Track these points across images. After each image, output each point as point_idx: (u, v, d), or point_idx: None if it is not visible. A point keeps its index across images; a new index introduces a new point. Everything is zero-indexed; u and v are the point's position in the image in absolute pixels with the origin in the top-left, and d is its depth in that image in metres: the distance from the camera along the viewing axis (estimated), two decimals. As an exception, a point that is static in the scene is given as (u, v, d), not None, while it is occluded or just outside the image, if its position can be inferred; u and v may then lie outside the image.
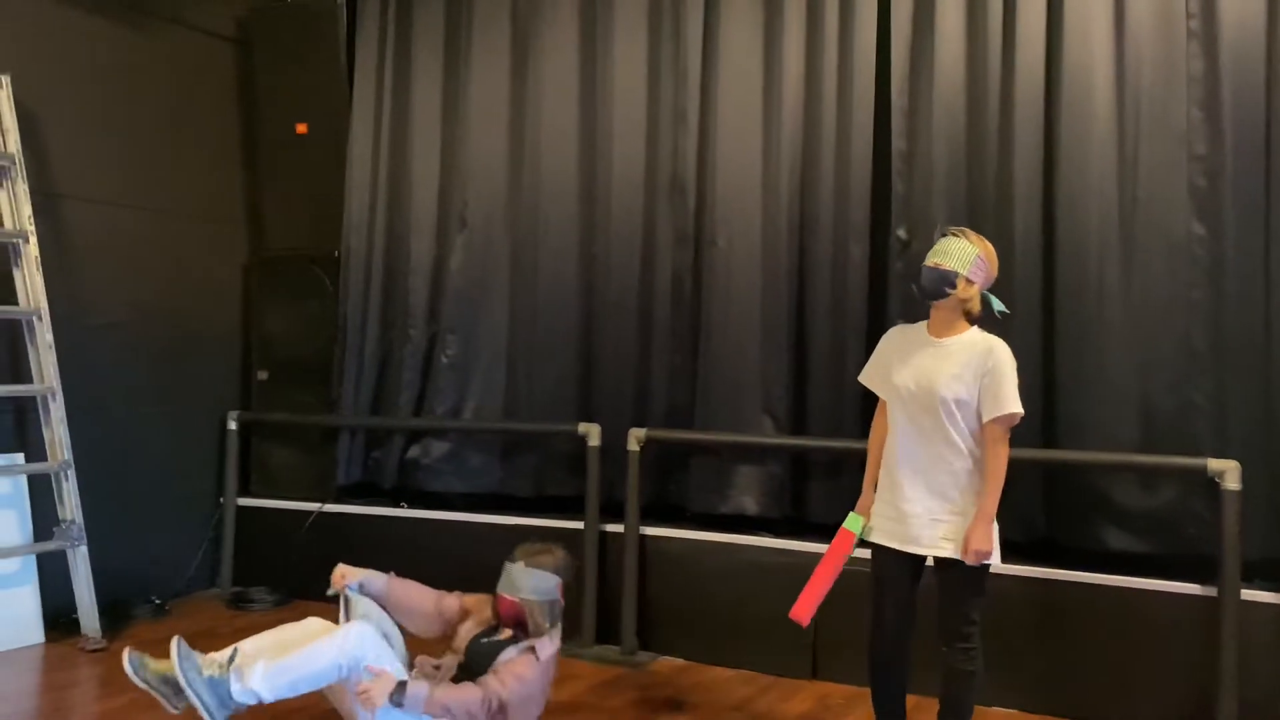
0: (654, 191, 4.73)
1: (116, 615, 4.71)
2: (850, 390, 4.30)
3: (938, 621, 3.04)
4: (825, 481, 4.34)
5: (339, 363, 5.29)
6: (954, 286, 2.96)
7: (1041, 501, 4.00)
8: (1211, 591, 3.56)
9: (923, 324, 3.13)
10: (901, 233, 4.22)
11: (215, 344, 5.47)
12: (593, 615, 4.50)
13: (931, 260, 2.99)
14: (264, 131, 5.53)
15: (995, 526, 2.98)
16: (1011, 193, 4.06)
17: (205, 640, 4.59)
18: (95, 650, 4.35)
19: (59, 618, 4.53)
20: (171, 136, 5.22)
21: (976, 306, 3.01)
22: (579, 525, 4.56)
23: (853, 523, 3.20)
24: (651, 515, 4.55)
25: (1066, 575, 3.82)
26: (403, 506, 5.10)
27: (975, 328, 3.04)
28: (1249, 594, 3.54)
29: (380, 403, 5.25)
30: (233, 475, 5.41)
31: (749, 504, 4.43)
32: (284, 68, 5.43)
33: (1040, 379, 3.98)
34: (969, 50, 4.16)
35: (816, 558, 4.15)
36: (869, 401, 4.28)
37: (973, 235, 3.04)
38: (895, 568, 3.08)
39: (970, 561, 2.91)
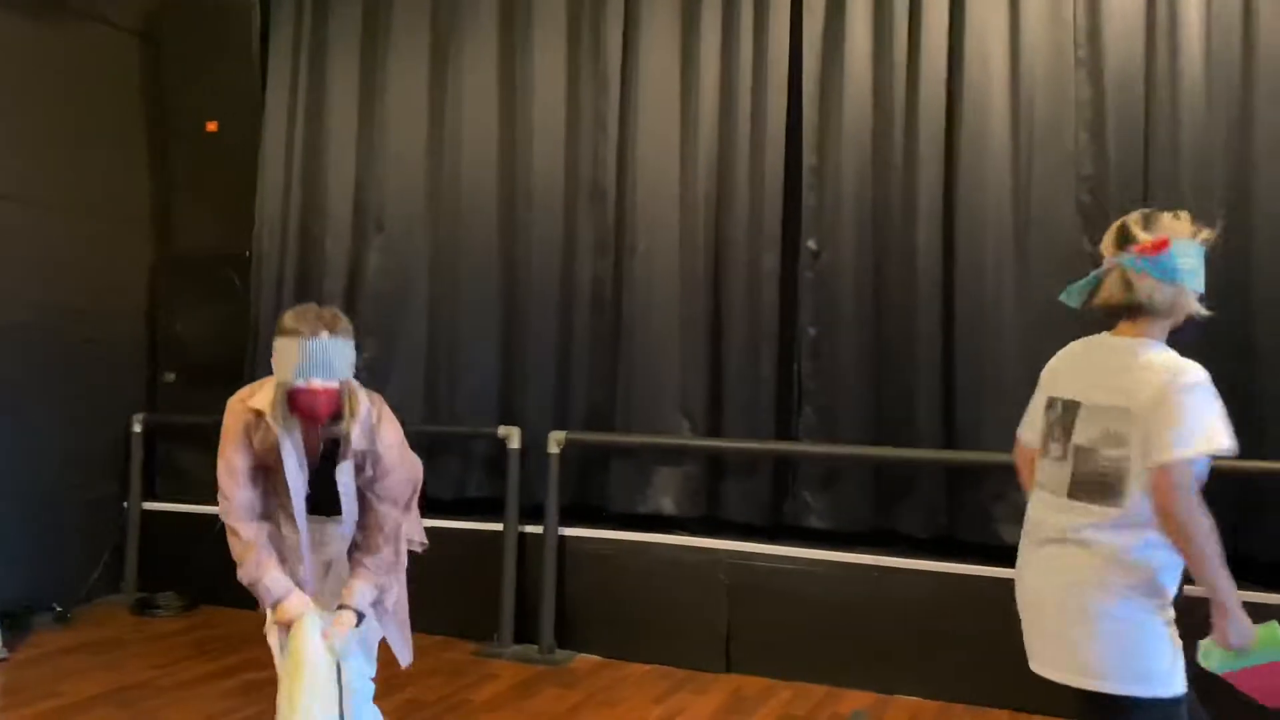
0: (574, 197, 4.82)
1: (17, 625, 4.56)
2: (764, 392, 4.46)
3: None
4: (739, 481, 4.48)
5: (251, 365, 5.22)
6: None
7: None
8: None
9: None
10: (812, 243, 4.39)
11: (120, 345, 5.34)
12: (511, 615, 4.55)
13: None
14: (173, 129, 5.43)
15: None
16: (916, 206, 4.26)
17: (111, 649, 4.50)
18: (-3, 661, 4.22)
19: (-44, 628, 4.38)
20: (75, 132, 5.08)
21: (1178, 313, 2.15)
22: (498, 527, 4.61)
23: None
24: (571, 516, 4.62)
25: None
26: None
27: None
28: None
29: (293, 405, 5.19)
30: (137, 478, 5.29)
31: (666, 504, 4.54)
32: (194, 64, 5.35)
33: (940, 386, 4.20)
34: (875, 68, 4.34)
35: (730, 554, 4.33)
36: (782, 404, 4.49)
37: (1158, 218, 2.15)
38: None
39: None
